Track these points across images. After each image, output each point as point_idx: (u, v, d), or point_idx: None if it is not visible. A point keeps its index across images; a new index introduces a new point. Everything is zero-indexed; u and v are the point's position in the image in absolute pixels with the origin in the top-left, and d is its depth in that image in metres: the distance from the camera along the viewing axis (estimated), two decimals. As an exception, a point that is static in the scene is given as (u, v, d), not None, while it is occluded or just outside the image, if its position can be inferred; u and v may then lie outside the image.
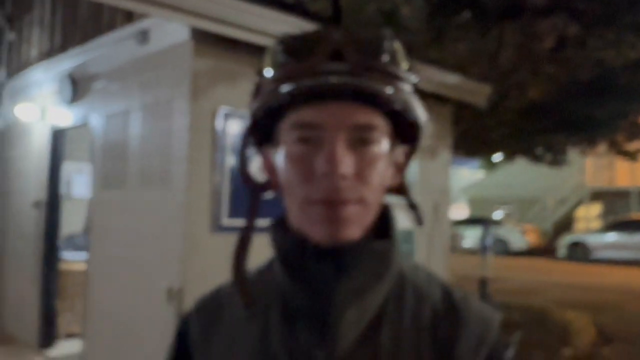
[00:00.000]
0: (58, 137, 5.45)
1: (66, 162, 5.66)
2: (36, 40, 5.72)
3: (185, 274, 3.50)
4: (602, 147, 11.08)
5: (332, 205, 0.67)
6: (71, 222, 6.42)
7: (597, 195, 21.64)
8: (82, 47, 4.66)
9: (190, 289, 3.50)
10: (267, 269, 0.80)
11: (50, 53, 5.32)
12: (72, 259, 5.96)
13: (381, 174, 0.71)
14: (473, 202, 25.43)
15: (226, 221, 3.69)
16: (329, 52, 0.67)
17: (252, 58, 3.95)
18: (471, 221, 19.11)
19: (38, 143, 5.65)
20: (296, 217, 0.71)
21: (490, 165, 14.06)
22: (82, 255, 5.27)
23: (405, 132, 0.75)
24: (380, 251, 0.72)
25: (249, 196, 0.77)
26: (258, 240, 0.79)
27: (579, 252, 17.29)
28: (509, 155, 10.84)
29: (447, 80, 5.42)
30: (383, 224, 0.75)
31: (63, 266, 5.67)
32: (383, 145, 0.71)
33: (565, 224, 21.92)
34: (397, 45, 0.70)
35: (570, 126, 8.78)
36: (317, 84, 0.66)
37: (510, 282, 11.67)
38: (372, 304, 0.71)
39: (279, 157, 0.73)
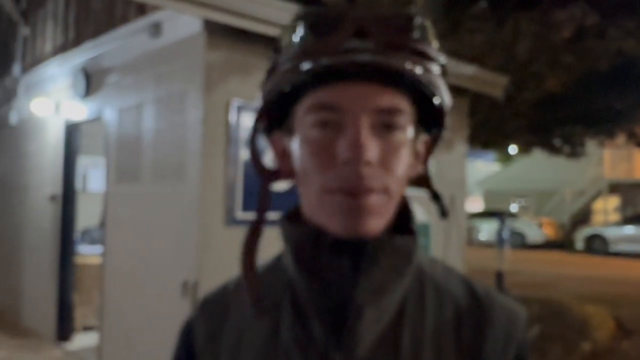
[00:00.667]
0: (72, 131, 5.48)
1: (81, 156, 5.68)
2: (50, 35, 5.74)
3: (200, 267, 3.49)
4: (620, 139, 10.90)
5: (354, 194, 0.61)
6: (87, 215, 6.47)
7: (615, 188, 21.35)
8: (96, 40, 4.66)
9: (206, 283, 3.50)
10: (276, 264, 0.75)
11: (64, 47, 5.33)
12: (88, 253, 6.00)
13: (405, 162, 0.65)
14: (488, 195, 25.23)
15: (240, 214, 3.67)
16: (352, 29, 0.61)
17: (265, 50, 3.91)
18: (487, 214, 18.98)
19: (53, 137, 5.68)
20: (313, 208, 0.66)
21: (506, 158, 13.91)
22: (97, 249, 5.29)
23: (427, 118, 0.69)
24: (403, 247, 0.66)
25: (259, 185, 0.71)
26: (269, 233, 0.75)
27: (597, 245, 17.11)
28: (526, 148, 10.71)
29: (463, 71, 5.34)
30: (402, 217, 0.69)
31: (79, 260, 5.71)
32: (408, 131, 0.65)
33: (583, 217, 21.67)
34: (428, 23, 0.64)
35: (588, 117, 8.65)
36: (341, 61, 0.60)
37: (528, 275, 11.55)
38: (391, 302, 0.66)
39: (294, 143, 0.67)
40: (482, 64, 5.82)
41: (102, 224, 4.74)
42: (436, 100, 0.66)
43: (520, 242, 18.16)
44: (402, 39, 0.61)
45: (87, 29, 4.88)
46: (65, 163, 5.47)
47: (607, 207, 21.61)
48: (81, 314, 5.59)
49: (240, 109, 3.69)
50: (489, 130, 8.80)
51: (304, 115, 0.65)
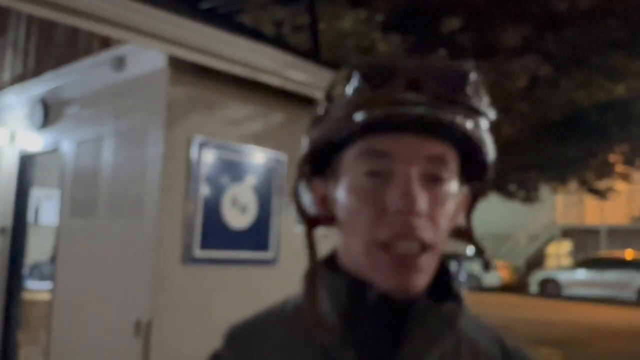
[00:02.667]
0: (27, 162, 5.33)
1: (35, 188, 5.52)
2: (9, 64, 5.63)
3: (154, 306, 3.40)
4: (572, 185, 11.29)
5: (405, 253, 0.62)
6: (37, 249, 6.24)
7: (567, 232, 21.97)
8: (56, 71, 4.59)
9: (160, 322, 3.39)
10: (280, 311, 0.74)
11: (23, 77, 5.23)
12: (37, 289, 5.77)
13: (450, 216, 0.66)
14: (446, 237, 25.54)
15: (198, 252, 3.60)
16: (406, 81, 0.62)
17: (229, 88, 3.94)
18: (444, 256, 19.15)
19: (6, 168, 5.50)
20: (358, 260, 0.65)
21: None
22: (47, 285, 5.10)
23: (468, 172, 0.70)
24: (448, 314, 0.66)
25: (305, 232, 0.70)
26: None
27: (551, 289, 17.47)
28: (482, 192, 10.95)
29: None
30: (441, 274, 0.69)
31: (27, 296, 5.47)
32: (453, 184, 0.66)
33: (537, 261, 22.15)
34: (480, 79, 0.66)
35: (542, 164, 8.96)
36: (393, 113, 0.61)
37: (484, 318, 11.62)
38: None
39: (340, 190, 0.67)
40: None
41: (53, 259, 4.58)
42: (483, 155, 0.67)
43: (476, 285, 18.37)
44: (455, 93, 0.63)
45: (48, 60, 4.82)
46: (18, 194, 5.30)
47: (559, 252, 22.15)
48: (26, 353, 5.33)
49: (202, 146, 3.67)
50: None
51: (353, 161, 0.65)
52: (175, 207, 3.55)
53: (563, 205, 22.08)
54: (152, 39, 3.30)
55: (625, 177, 10.36)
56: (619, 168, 10.21)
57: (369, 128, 0.63)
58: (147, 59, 3.70)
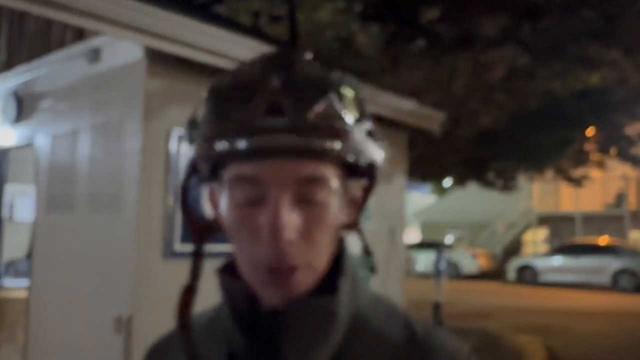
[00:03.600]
0: (0, 157, 5.21)
1: (9, 184, 5.40)
2: (-20, 57, 5.48)
3: (135, 302, 3.36)
4: (548, 174, 11.45)
5: (280, 271, 0.63)
6: (12, 246, 6.11)
7: (543, 220, 22.31)
8: (29, 64, 4.49)
9: (140, 318, 3.36)
10: (216, 314, 0.75)
11: (-6, 70, 5.10)
12: (13, 286, 5.66)
13: (330, 229, 0.66)
14: (425, 227, 25.77)
15: (179, 247, 3.57)
16: (266, 105, 0.60)
17: (207, 79, 3.87)
18: (424, 245, 19.36)
19: (-21, 163, 5.37)
20: (245, 274, 0.67)
21: (442, 190, 14.31)
22: (23, 282, 5.00)
23: (360, 167, 0.69)
24: (323, 307, 0.66)
25: (193, 242, 0.72)
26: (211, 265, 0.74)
27: (528, 275, 17.75)
28: (461, 181, 11.07)
29: (402, 106, 5.48)
30: (338, 262, 0.70)
31: (2, 294, 5.37)
32: (333, 196, 0.65)
33: (514, 248, 22.47)
34: (346, 90, 0.63)
35: (519, 153, 9.06)
36: (255, 143, 0.60)
37: (463, 305, 11.80)
38: (323, 356, 0.66)
39: (223, 203, 0.67)
40: (420, 99, 6.00)
41: (29, 256, 4.50)
42: (362, 163, 0.66)
43: (455, 273, 18.58)
44: (317, 116, 0.60)
45: (20, 52, 4.70)
46: (-9, 191, 5.19)
47: (536, 239, 22.49)
48: (4, 353, 5.24)
49: (180, 138, 3.62)
50: (427, 163, 9.05)
51: (229, 185, 0.65)
52: (154, 201, 3.51)
53: (539, 193, 22.41)
54: (127, 30, 3.24)
55: (600, 165, 10.54)
56: (594, 156, 10.38)
57: (235, 156, 0.62)
58: (123, 51, 3.63)
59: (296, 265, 0.63)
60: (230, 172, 0.65)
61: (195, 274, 0.70)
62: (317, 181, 0.63)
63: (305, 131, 0.60)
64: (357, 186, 0.71)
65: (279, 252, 0.62)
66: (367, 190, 0.72)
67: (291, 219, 0.62)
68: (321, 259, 0.66)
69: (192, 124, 0.68)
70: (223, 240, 0.71)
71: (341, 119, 0.62)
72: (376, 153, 0.67)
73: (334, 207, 0.66)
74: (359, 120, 0.64)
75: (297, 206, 0.63)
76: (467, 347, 0.71)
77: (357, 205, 0.72)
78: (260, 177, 0.62)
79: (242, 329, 0.67)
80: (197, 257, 0.71)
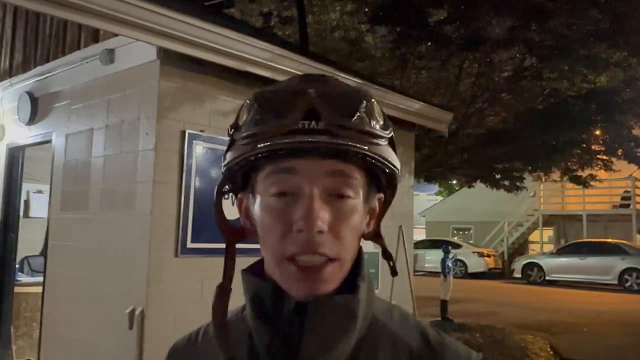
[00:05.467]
0: (16, 155, 5.30)
1: (26, 182, 5.49)
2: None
3: (148, 297, 3.43)
4: (555, 174, 11.42)
5: (310, 269, 0.68)
6: (28, 243, 6.21)
7: (549, 220, 22.24)
8: (44, 66, 4.57)
9: (154, 313, 3.44)
10: (241, 314, 0.80)
11: (10, 71, 5.20)
12: (28, 282, 5.75)
13: (356, 228, 0.72)
14: (431, 226, 25.77)
15: (191, 244, 3.64)
16: (304, 110, 0.68)
17: (219, 79, 3.96)
18: (432, 244, 19.42)
19: (-5, 162, 5.47)
20: (273, 271, 0.72)
21: (449, 190, 14.31)
22: (38, 278, 5.09)
23: (380, 179, 0.76)
24: (344, 305, 0.71)
25: (225, 245, 0.77)
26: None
27: (534, 274, 17.72)
28: (468, 181, 11.07)
29: (410, 106, 5.53)
30: (355, 269, 0.75)
31: (18, 289, 5.46)
32: (358, 197, 0.72)
33: (520, 247, 22.45)
34: (373, 102, 0.72)
35: (526, 153, 9.05)
36: (293, 143, 0.67)
37: (470, 303, 11.83)
38: (342, 354, 0.71)
39: (256, 207, 0.73)
40: (428, 100, 6.04)
41: (44, 252, 4.58)
42: (385, 169, 0.73)
43: (463, 271, 18.63)
44: (348, 121, 0.68)
45: (36, 54, 4.79)
46: (7, 188, 5.28)
47: (542, 238, 22.43)
48: (19, 347, 5.33)
49: (193, 138, 3.70)
50: (434, 163, 9.07)
51: (264, 181, 0.71)
52: (168, 200, 3.58)
53: (546, 193, 22.33)
54: (142, 32, 3.30)
55: (606, 166, 10.51)
56: (601, 156, 10.35)
57: (274, 154, 0.69)
58: (137, 52, 3.70)
59: (328, 255, 0.68)
60: (265, 171, 0.71)
61: (228, 275, 0.75)
62: (345, 176, 0.70)
63: (338, 134, 0.67)
64: (376, 199, 0.78)
65: (312, 242, 0.67)
66: (386, 203, 0.80)
67: (324, 210, 0.68)
68: (348, 256, 0.71)
69: (235, 128, 0.73)
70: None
71: (369, 125, 0.70)
72: (396, 162, 0.74)
73: (360, 208, 0.73)
74: (383, 129, 0.72)
75: (327, 202, 0.69)
76: (479, 355, 0.77)
77: (376, 216, 0.79)
78: (295, 167, 0.69)
79: (265, 325, 0.71)
80: (230, 259, 0.76)
